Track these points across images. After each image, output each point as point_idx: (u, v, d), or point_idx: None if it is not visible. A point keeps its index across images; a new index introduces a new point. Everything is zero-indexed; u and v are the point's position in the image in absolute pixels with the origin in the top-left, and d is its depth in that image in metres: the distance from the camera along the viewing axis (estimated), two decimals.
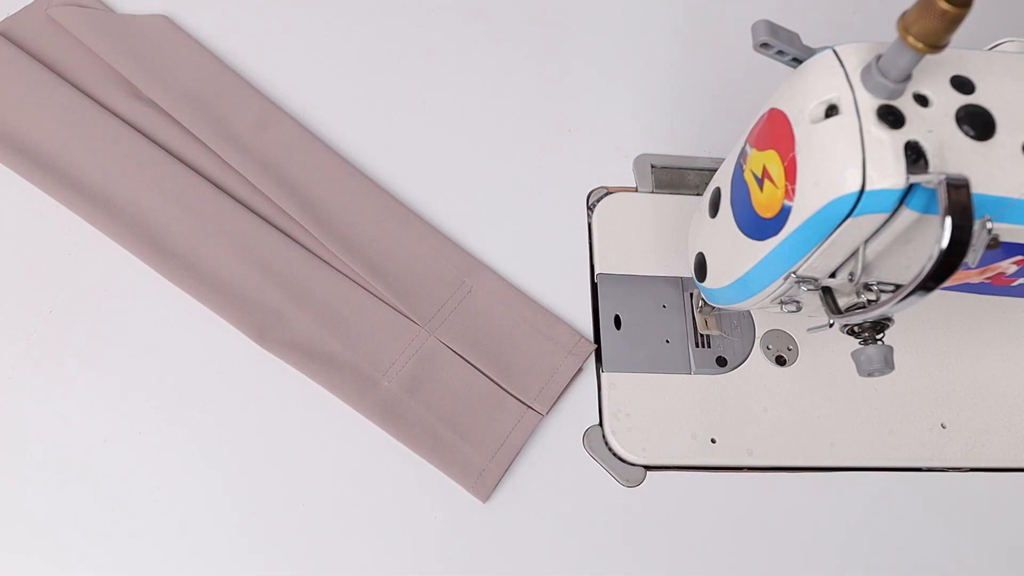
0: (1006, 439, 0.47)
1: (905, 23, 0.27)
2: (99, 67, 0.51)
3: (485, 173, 0.52)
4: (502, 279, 0.49)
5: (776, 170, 0.32)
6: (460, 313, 0.47)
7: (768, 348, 0.48)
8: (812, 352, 0.48)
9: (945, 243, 0.27)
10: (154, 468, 0.42)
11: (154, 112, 0.50)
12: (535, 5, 0.59)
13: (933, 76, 0.30)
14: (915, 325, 0.50)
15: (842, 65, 0.30)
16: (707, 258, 0.41)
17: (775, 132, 0.33)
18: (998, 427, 0.47)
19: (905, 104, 0.29)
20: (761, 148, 0.34)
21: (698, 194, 0.52)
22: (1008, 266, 0.35)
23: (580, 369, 0.47)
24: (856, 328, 0.35)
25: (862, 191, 0.29)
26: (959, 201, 0.27)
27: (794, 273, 0.34)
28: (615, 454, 0.45)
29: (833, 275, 0.34)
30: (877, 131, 0.29)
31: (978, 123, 0.30)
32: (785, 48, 0.32)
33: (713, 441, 0.45)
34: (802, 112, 0.31)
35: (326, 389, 0.44)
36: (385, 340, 0.46)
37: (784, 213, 0.32)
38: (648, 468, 0.45)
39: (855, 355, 0.36)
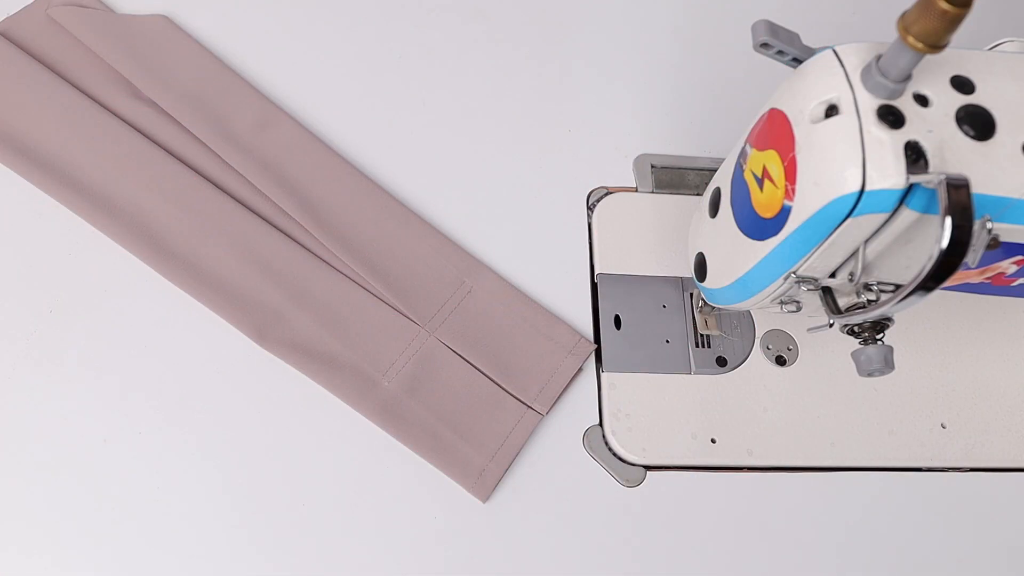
0: (1006, 439, 0.47)
1: (905, 23, 0.27)
2: (99, 67, 0.51)
3: (485, 173, 0.52)
4: (502, 279, 0.49)
5: (776, 170, 0.32)
6: (460, 313, 0.47)
7: (768, 348, 0.48)
8: (812, 352, 0.48)
9: (945, 243, 0.27)
10: (154, 468, 0.42)
11: (154, 112, 0.50)
12: (535, 5, 0.59)
13: (933, 76, 0.30)
14: (915, 325, 0.50)
15: (842, 65, 0.30)
16: (707, 258, 0.41)
17: (775, 132, 0.33)
18: (998, 427, 0.47)
19: (905, 104, 0.29)
20: (761, 148, 0.34)
21: (698, 194, 0.52)
22: (1008, 266, 0.35)
23: (580, 369, 0.47)
24: (856, 328, 0.35)
25: (862, 191, 0.29)
26: (959, 201, 0.27)
27: (794, 273, 0.34)
28: (615, 454, 0.45)
29: (833, 275, 0.34)
30: (877, 131, 0.29)
31: (978, 123, 0.30)
32: (785, 48, 0.32)
33: (713, 441, 0.45)
34: (802, 112, 0.31)
35: (326, 389, 0.44)
36: (385, 340, 0.46)
37: (784, 213, 0.32)
38: (648, 468, 0.45)
39: (855, 355, 0.36)
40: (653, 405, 0.45)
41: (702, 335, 0.48)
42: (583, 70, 0.57)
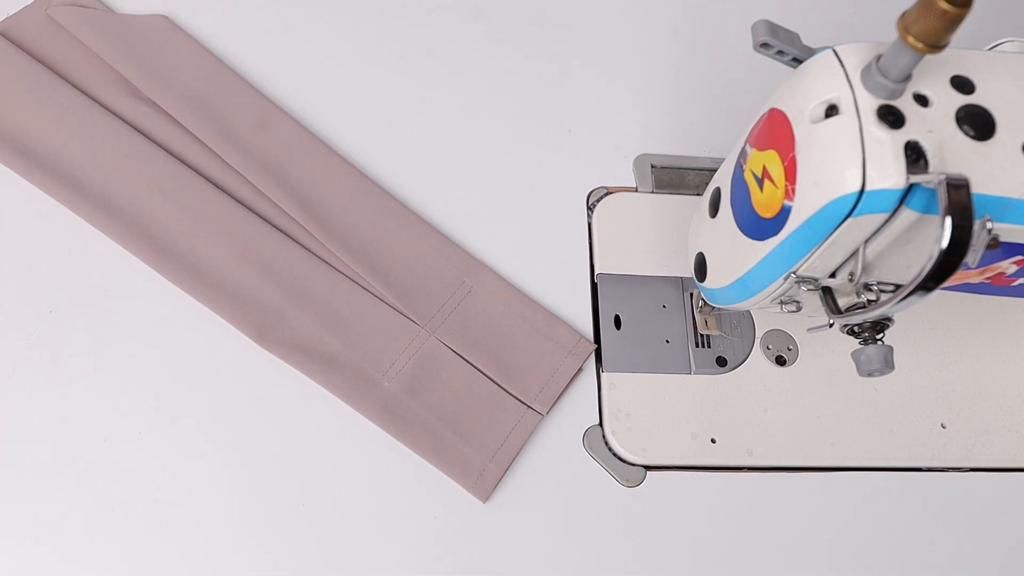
0: (1006, 439, 0.47)
1: (905, 23, 0.27)
2: (99, 67, 0.51)
3: (485, 173, 0.52)
4: (502, 279, 0.49)
5: (776, 170, 0.32)
6: (460, 313, 0.47)
7: (768, 348, 0.48)
8: (812, 352, 0.48)
9: (945, 243, 0.27)
10: (154, 468, 0.42)
11: (154, 112, 0.50)
12: (535, 5, 0.59)
13: (933, 76, 0.30)
14: (915, 325, 0.50)
15: (842, 65, 0.30)
16: (707, 258, 0.41)
17: (775, 132, 0.33)
18: (998, 427, 0.47)
19: (905, 104, 0.29)
20: (761, 148, 0.34)
21: (698, 194, 0.52)
22: (1008, 266, 0.35)
23: (580, 369, 0.47)
24: (856, 328, 0.35)
25: (862, 191, 0.29)
26: (959, 201, 0.27)
27: (794, 273, 0.34)
28: (615, 454, 0.45)
29: (833, 275, 0.34)
30: (877, 131, 0.29)
31: (978, 123, 0.30)
32: (785, 48, 0.32)
33: (713, 441, 0.45)
34: (802, 112, 0.31)
35: (326, 389, 0.44)
36: (385, 340, 0.46)
37: (784, 213, 0.32)
38: (648, 468, 0.45)
39: (855, 355, 0.36)
40: (653, 405, 0.45)
41: (702, 335, 0.48)
42: (583, 70, 0.57)
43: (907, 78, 0.29)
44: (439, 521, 0.42)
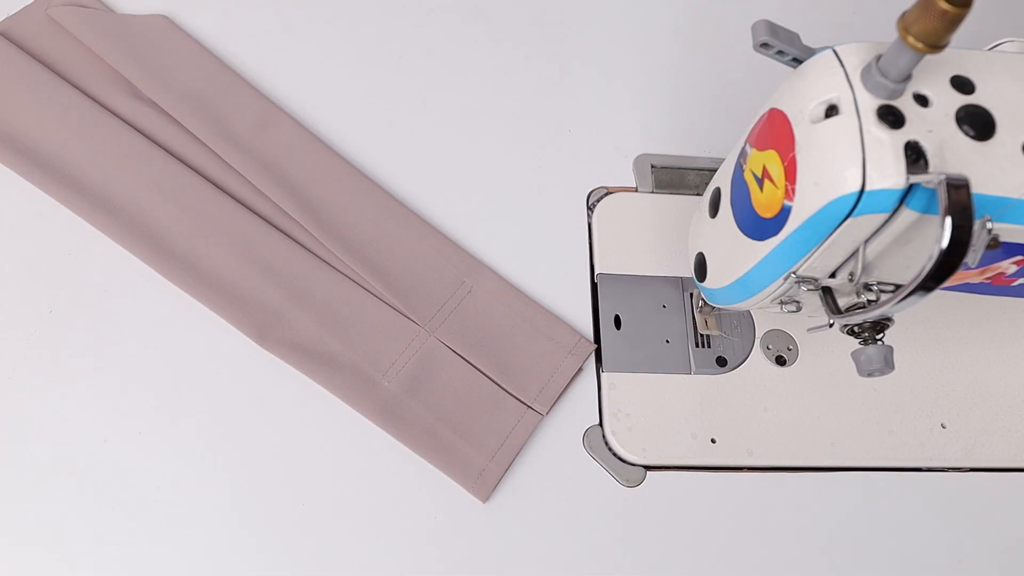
0: (1006, 439, 0.47)
1: (905, 23, 0.27)
2: (99, 67, 0.51)
3: (485, 173, 0.52)
4: (502, 279, 0.49)
5: (776, 170, 0.32)
6: (460, 313, 0.47)
7: (768, 348, 0.48)
8: (812, 352, 0.48)
9: (945, 243, 0.27)
10: (154, 468, 0.42)
11: (154, 112, 0.50)
12: (535, 5, 0.59)
13: (933, 76, 0.30)
14: (915, 325, 0.50)
15: (842, 65, 0.30)
16: (707, 258, 0.41)
17: (775, 132, 0.33)
18: (998, 427, 0.47)
19: (905, 104, 0.29)
20: (761, 148, 0.34)
21: (698, 194, 0.52)
22: (1008, 266, 0.35)
23: (580, 369, 0.47)
24: (856, 328, 0.35)
25: (862, 191, 0.29)
26: (959, 201, 0.27)
27: (794, 273, 0.34)
28: (615, 454, 0.45)
29: (833, 275, 0.34)
30: (877, 131, 0.29)
31: (978, 123, 0.30)
32: (785, 48, 0.32)
33: (713, 441, 0.45)
34: (802, 112, 0.31)
35: (326, 389, 0.44)
36: (385, 340, 0.46)
37: (784, 213, 0.32)
38: (648, 468, 0.45)
39: (855, 355, 0.36)
40: (653, 405, 0.45)
41: (702, 335, 0.48)
42: (583, 70, 0.57)
43: (907, 78, 0.29)
44: (439, 521, 0.42)
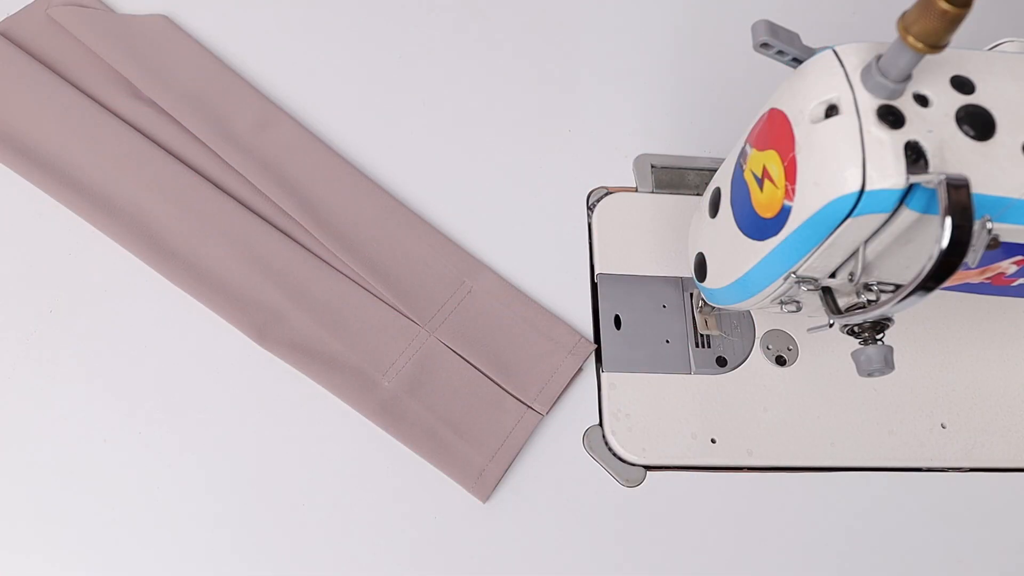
0: (1006, 439, 0.47)
1: (905, 23, 0.27)
2: (99, 67, 0.51)
3: (485, 173, 0.52)
4: (502, 279, 0.49)
5: (776, 170, 0.32)
6: (460, 313, 0.47)
7: (768, 348, 0.48)
8: (812, 352, 0.48)
9: (945, 243, 0.27)
10: (154, 468, 0.42)
11: (154, 112, 0.50)
12: (535, 5, 0.59)
13: (933, 76, 0.30)
14: (915, 325, 0.50)
15: (842, 65, 0.30)
16: (707, 258, 0.41)
17: (775, 132, 0.33)
18: (998, 427, 0.47)
19: (905, 104, 0.29)
20: (761, 148, 0.34)
21: (698, 194, 0.52)
22: (1008, 266, 0.35)
23: (580, 369, 0.47)
24: (856, 328, 0.35)
25: (862, 191, 0.29)
26: (959, 201, 0.27)
27: (794, 273, 0.34)
28: (615, 454, 0.45)
29: (833, 275, 0.34)
30: (877, 131, 0.29)
31: (978, 123, 0.30)
32: (785, 48, 0.32)
33: (713, 441, 0.45)
34: (802, 112, 0.31)
35: (326, 389, 0.44)
36: (385, 340, 0.46)
37: (784, 213, 0.32)
38: (648, 468, 0.45)
39: (855, 355, 0.36)
40: (653, 405, 0.45)
41: (702, 335, 0.48)
42: (583, 70, 0.57)
43: (907, 78, 0.29)
44: (439, 521, 0.42)
